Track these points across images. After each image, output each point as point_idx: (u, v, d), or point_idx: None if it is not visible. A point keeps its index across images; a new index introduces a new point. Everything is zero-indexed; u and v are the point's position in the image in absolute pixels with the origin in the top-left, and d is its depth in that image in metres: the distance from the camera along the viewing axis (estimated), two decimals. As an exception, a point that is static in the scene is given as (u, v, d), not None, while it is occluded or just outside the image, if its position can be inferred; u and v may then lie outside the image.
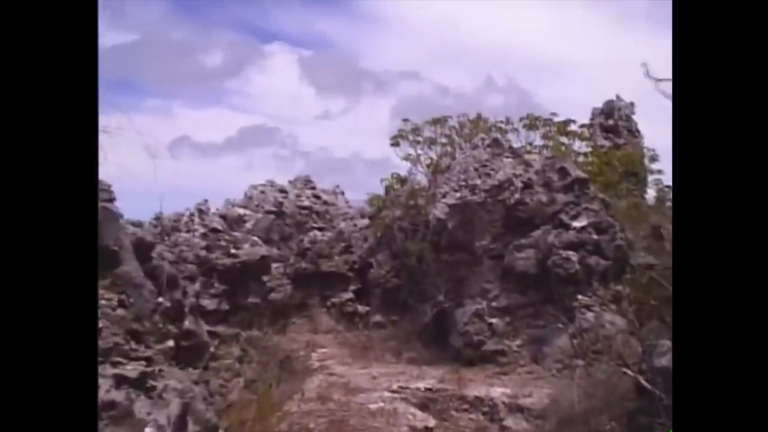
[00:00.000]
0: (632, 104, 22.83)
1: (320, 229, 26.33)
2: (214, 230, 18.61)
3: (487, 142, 17.19)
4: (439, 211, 16.73)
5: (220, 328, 18.33)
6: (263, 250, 18.99)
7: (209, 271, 18.32)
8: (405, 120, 21.04)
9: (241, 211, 22.78)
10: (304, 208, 29.67)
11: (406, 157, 21.02)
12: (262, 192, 28.96)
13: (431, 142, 20.86)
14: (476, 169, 16.54)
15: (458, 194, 16.54)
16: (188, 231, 19.08)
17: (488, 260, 17.11)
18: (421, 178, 21.45)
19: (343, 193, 30.69)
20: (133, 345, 8.55)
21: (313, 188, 30.31)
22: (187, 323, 10.51)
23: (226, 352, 18.88)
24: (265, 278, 21.66)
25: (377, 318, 23.41)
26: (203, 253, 18.49)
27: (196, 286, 15.61)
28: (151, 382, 8.37)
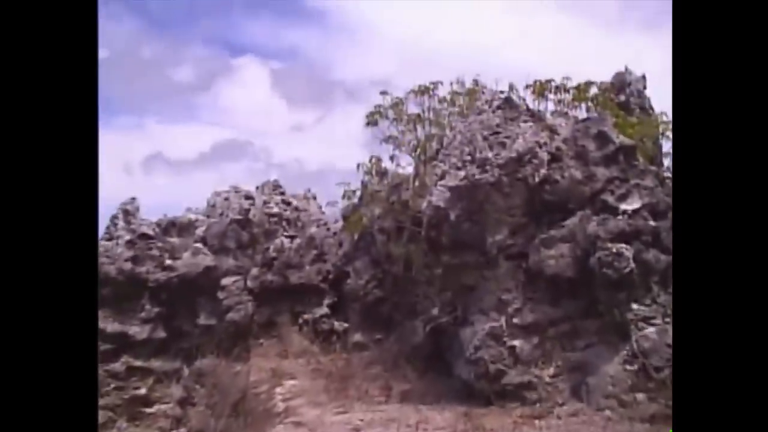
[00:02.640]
0: (644, 78, 16.53)
1: (289, 236, 19.65)
2: (144, 236, 12.17)
3: (496, 102, 10.66)
4: (436, 197, 10.44)
5: (155, 363, 11.82)
6: (208, 259, 12.91)
7: (138, 290, 11.65)
8: (383, 92, 14.57)
9: (192, 216, 16.26)
10: (273, 215, 23.80)
11: (386, 139, 14.42)
12: (226, 199, 22.73)
13: (416, 119, 14.25)
14: (485, 138, 10.36)
15: (462, 173, 10.34)
16: (110, 238, 12.54)
17: (505, 261, 10.98)
18: (407, 168, 14.90)
19: (315, 198, 24.80)
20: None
21: (282, 194, 24.45)
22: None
23: (163, 393, 12.19)
24: (220, 295, 15.03)
25: (357, 337, 18.20)
26: (128, 266, 11.88)
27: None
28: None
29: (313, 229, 21.73)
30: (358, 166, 15.24)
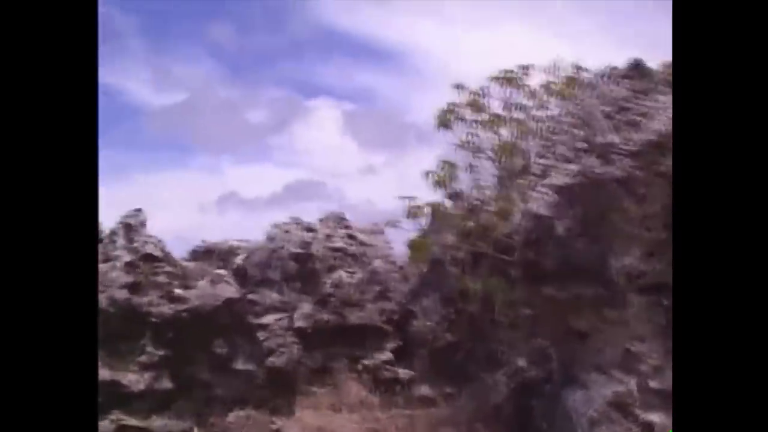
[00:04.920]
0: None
1: (349, 271, 15.50)
2: (148, 258, 7.97)
3: (621, 71, 6.17)
4: (536, 204, 5.61)
5: (157, 422, 7.18)
6: (230, 290, 8.53)
7: (137, 326, 7.40)
8: (458, 86, 10.21)
9: (234, 243, 12.19)
10: (336, 249, 18.98)
11: (462, 144, 10.09)
12: (286, 231, 18.44)
13: (496, 120, 9.95)
14: (608, 116, 5.59)
15: (574, 166, 5.54)
16: (105, 259, 8.46)
17: (637, 296, 5.84)
18: (485, 180, 10.57)
19: (382, 232, 19.57)
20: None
21: (348, 227, 20.09)
22: None
23: None
24: (260, 335, 10.93)
25: (424, 390, 14.03)
26: (123, 294, 7.71)
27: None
28: None
29: (376, 263, 17.55)
30: (427, 174, 10.86)
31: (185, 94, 74.00)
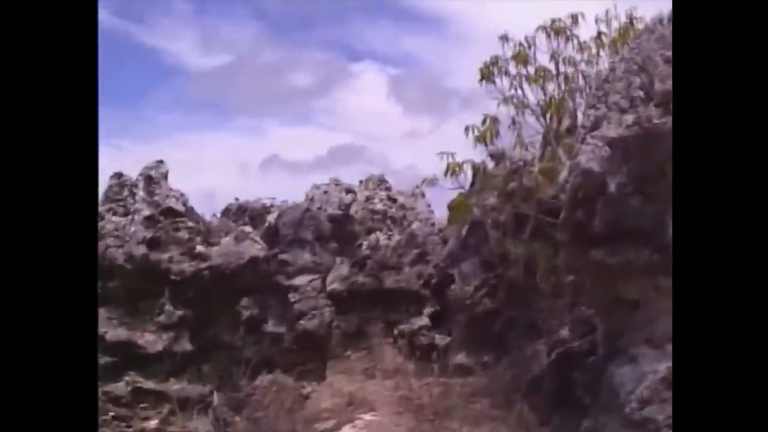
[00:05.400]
0: None
1: (387, 233, 14.76)
2: (169, 212, 7.18)
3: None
4: (586, 157, 4.55)
5: (175, 386, 6.36)
6: (255, 248, 7.71)
7: (156, 284, 6.63)
8: (503, 38, 9.20)
9: (267, 201, 11.50)
10: (376, 212, 18.30)
11: (506, 100, 9.13)
12: (325, 192, 17.70)
13: (544, 74, 8.94)
14: (669, 61, 4.54)
15: (630, 116, 4.52)
16: (125, 213, 7.74)
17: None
18: (532, 141, 9.64)
19: (424, 195, 19.73)
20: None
21: (388, 189, 19.36)
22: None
23: (183, 429, 6.64)
24: (291, 297, 10.24)
25: (460, 358, 13.14)
26: (142, 250, 6.98)
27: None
28: None
29: (414, 225, 16.70)
30: (467, 129, 9.92)
31: (230, 56, 73.64)
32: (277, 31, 68.82)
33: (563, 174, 7.44)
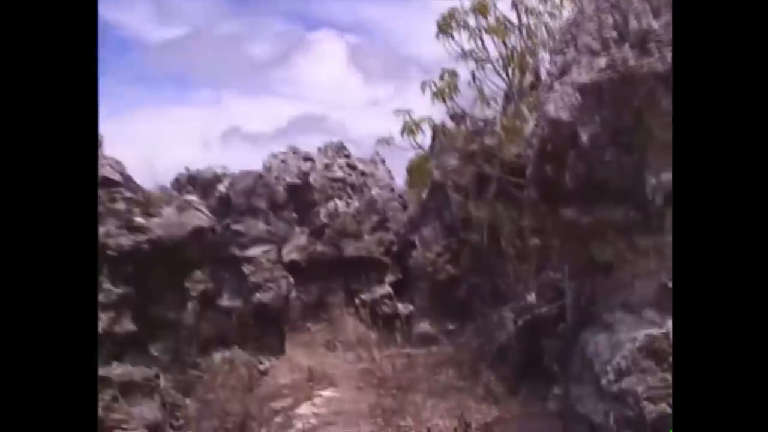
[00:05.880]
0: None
1: (345, 199, 14.10)
2: (104, 182, 6.17)
3: None
4: (554, 105, 3.72)
5: (117, 370, 5.35)
6: (199, 218, 6.78)
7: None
8: None
9: (219, 170, 10.62)
10: (336, 179, 17.97)
11: (464, 55, 8.34)
12: (283, 161, 16.99)
13: (505, 26, 8.11)
14: None
15: (603, 60, 3.62)
16: None
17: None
18: (493, 100, 8.81)
19: (384, 162, 19.70)
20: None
21: (347, 156, 19.10)
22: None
23: (126, 415, 5.70)
24: (246, 270, 9.39)
25: (424, 327, 12.65)
26: None
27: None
28: None
29: (374, 191, 15.94)
30: (424, 84, 9.11)
31: (186, 28, 72.02)
32: (233, 1, 67.25)
33: (529, 127, 6.74)
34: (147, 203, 8.25)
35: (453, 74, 9.26)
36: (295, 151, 19.75)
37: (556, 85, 5.99)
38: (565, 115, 5.80)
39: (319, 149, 20.12)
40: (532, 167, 6.08)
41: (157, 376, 8.07)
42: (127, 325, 8.03)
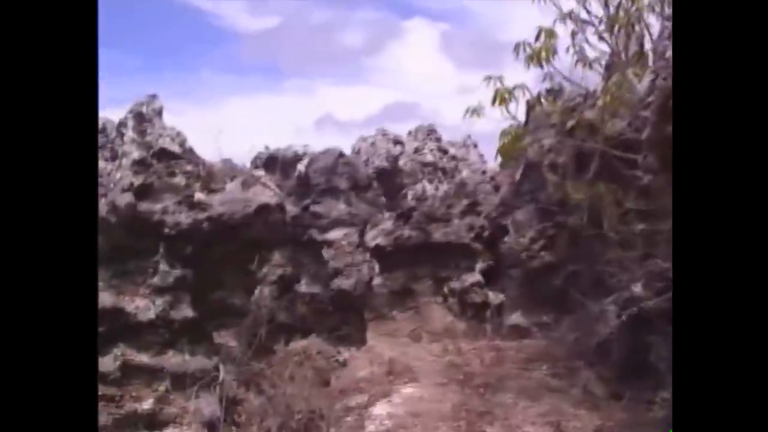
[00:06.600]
0: None
1: (434, 181, 13.10)
2: (163, 155, 5.38)
3: None
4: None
5: (172, 360, 4.34)
6: (266, 195, 5.84)
7: (148, 240, 4.81)
8: None
9: (299, 149, 9.66)
10: (426, 164, 16.81)
11: (563, 16, 7.07)
12: (372, 144, 16.19)
13: None
14: None
15: None
16: (112, 157, 6.03)
17: None
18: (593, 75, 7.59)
19: (476, 146, 17.98)
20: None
21: (438, 140, 17.77)
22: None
23: (182, 410, 4.64)
24: (326, 253, 8.45)
25: (515, 318, 11.35)
26: (128, 200, 5.26)
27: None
28: None
29: (464, 173, 14.77)
30: (518, 46, 7.84)
31: (280, 17, 72.67)
32: (326, -9, 67.33)
33: (642, 85, 5.49)
34: (209, 178, 7.39)
35: (551, 34, 7.96)
36: (384, 134, 18.86)
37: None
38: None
39: (409, 132, 19.16)
40: (651, 128, 4.86)
41: (217, 368, 7.20)
42: (185, 311, 7.25)
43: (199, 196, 7.17)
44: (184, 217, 7.08)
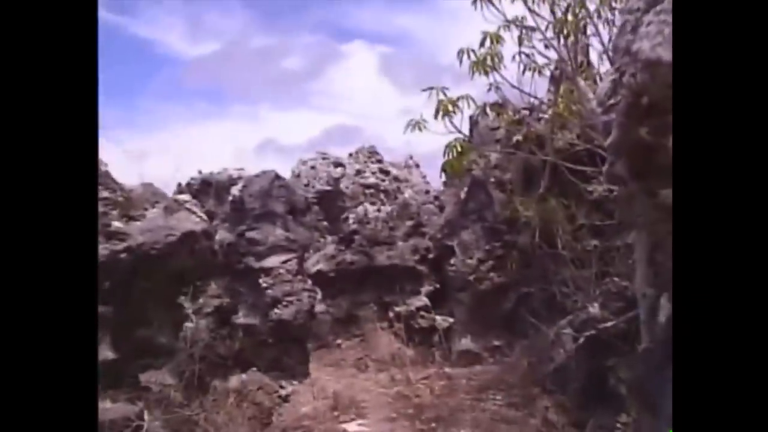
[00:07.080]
0: None
1: (376, 203, 12.45)
2: None
3: None
4: (650, 43, 1.71)
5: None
6: (192, 221, 4.93)
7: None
8: None
9: (234, 173, 8.83)
10: (368, 186, 16.02)
11: (507, 23, 6.48)
12: (312, 167, 15.49)
13: None
14: None
15: None
16: None
17: None
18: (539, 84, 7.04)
19: (418, 166, 17.67)
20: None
21: (380, 161, 17.13)
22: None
23: None
24: (264, 282, 7.57)
25: (465, 344, 10.83)
26: None
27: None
28: None
29: (407, 194, 14.12)
30: (461, 52, 7.22)
31: (220, 43, 72.33)
32: (265, 16, 66.95)
33: (603, 86, 4.90)
34: (128, 204, 6.53)
35: (497, 38, 7.33)
36: (324, 156, 18.13)
37: (650, 16, 4.13)
38: (666, 55, 3.93)
39: (351, 155, 18.45)
40: (618, 130, 4.22)
41: (141, 415, 6.33)
42: (105, 353, 6.32)
43: (116, 224, 6.31)
44: (101, 249, 6.22)
